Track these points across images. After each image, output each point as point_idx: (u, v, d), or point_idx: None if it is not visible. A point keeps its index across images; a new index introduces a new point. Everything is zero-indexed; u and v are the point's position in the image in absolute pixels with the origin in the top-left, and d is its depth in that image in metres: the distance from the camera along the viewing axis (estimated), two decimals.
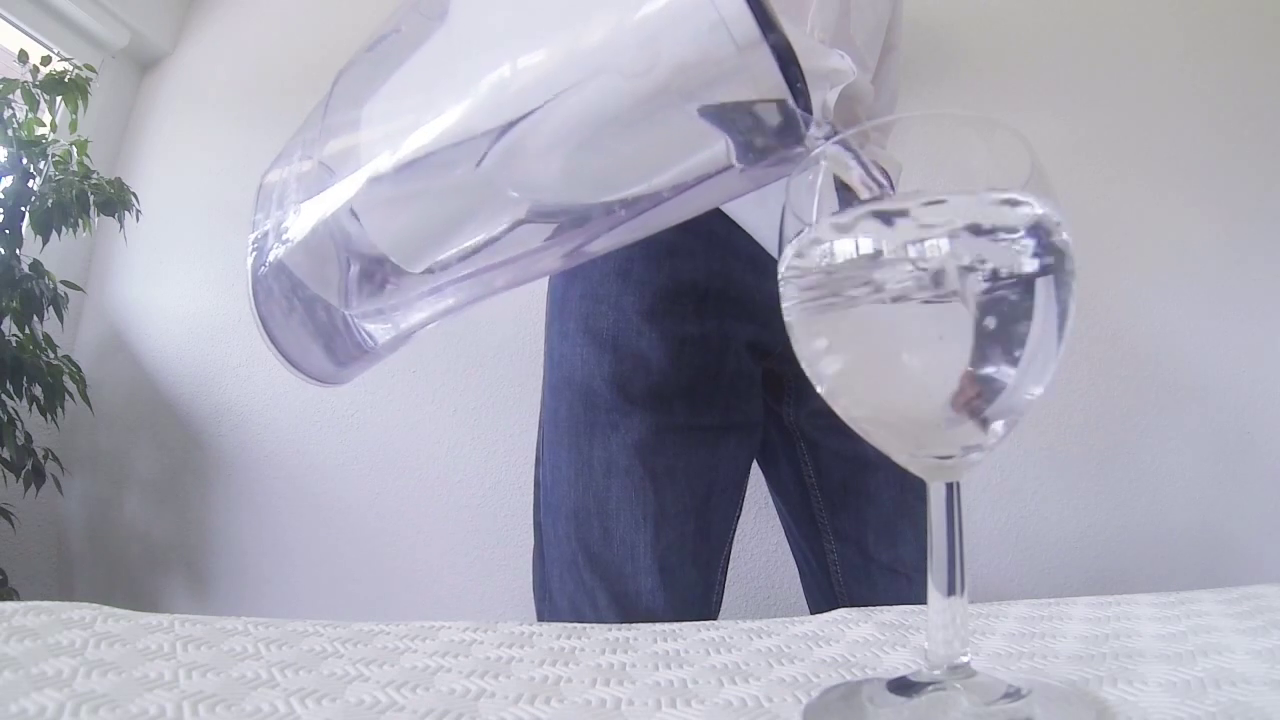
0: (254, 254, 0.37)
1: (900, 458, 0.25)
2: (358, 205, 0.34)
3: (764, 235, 0.59)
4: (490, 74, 0.30)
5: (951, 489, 0.25)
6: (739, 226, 0.60)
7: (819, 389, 0.26)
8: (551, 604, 0.61)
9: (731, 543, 0.64)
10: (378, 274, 0.35)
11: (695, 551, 0.57)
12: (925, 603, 0.25)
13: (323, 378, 0.39)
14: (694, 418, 0.57)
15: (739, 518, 0.64)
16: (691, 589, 0.57)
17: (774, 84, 0.25)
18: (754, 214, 0.58)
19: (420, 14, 0.37)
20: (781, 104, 0.26)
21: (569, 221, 0.32)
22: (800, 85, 0.26)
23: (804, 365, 0.26)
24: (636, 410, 0.56)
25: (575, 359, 0.59)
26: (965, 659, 0.24)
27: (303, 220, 0.36)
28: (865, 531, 0.65)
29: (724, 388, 0.58)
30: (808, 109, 0.26)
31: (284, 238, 0.36)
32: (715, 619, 0.57)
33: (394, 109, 0.35)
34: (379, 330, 0.38)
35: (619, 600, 0.56)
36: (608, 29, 0.27)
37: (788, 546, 1.12)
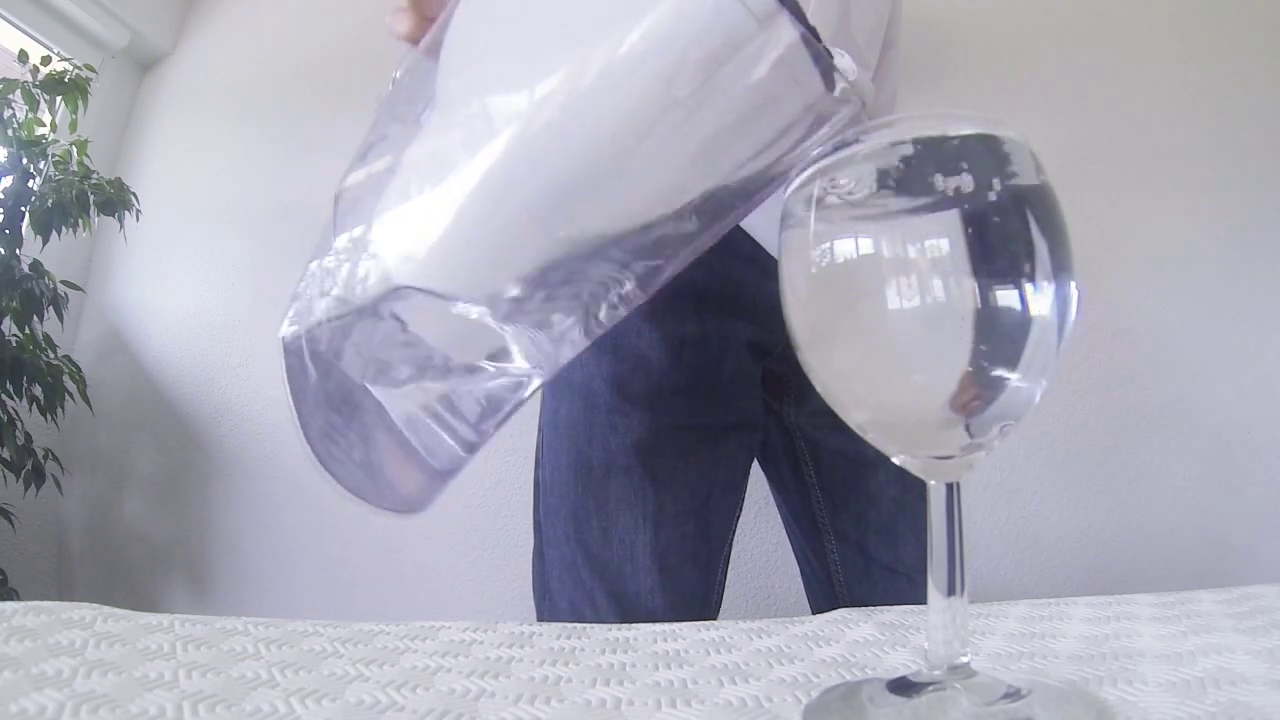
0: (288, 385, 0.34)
1: (899, 458, 0.25)
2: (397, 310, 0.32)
3: (763, 235, 0.59)
4: (507, 121, 0.28)
5: (951, 489, 0.25)
6: (738, 226, 0.60)
7: (819, 389, 0.26)
8: (551, 604, 0.60)
9: (731, 542, 0.64)
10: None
11: (695, 551, 0.57)
12: (925, 603, 0.25)
13: (410, 501, 0.34)
14: (694, 418, 0.57)
15: (739, 517, 0.64)
16: (692, 589, 0.57)
17: (794, 45, 0.25)
18: (753, 214, 0.59)
19: (401, 122, 0.35)
20: (814, 61, 0.25)
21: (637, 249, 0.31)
22: (821, 46, 0.25)
23: (804, 366, 0.26)
24: (636, 410, 0.56)
25: (574, 359, 0.60)
26: (965, 659, 0.24)
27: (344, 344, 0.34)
28: (865, 532, 0.65)
29: (724, 387, 0.58)
30: (829, 67, 0.26)
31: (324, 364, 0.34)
32: (715, 619, 0.57)
33: (408, 213, 0.32)
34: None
35: (618, 600, 0.56)
36: (630, 42, 0.26)
37: (788, 546, 1.12)
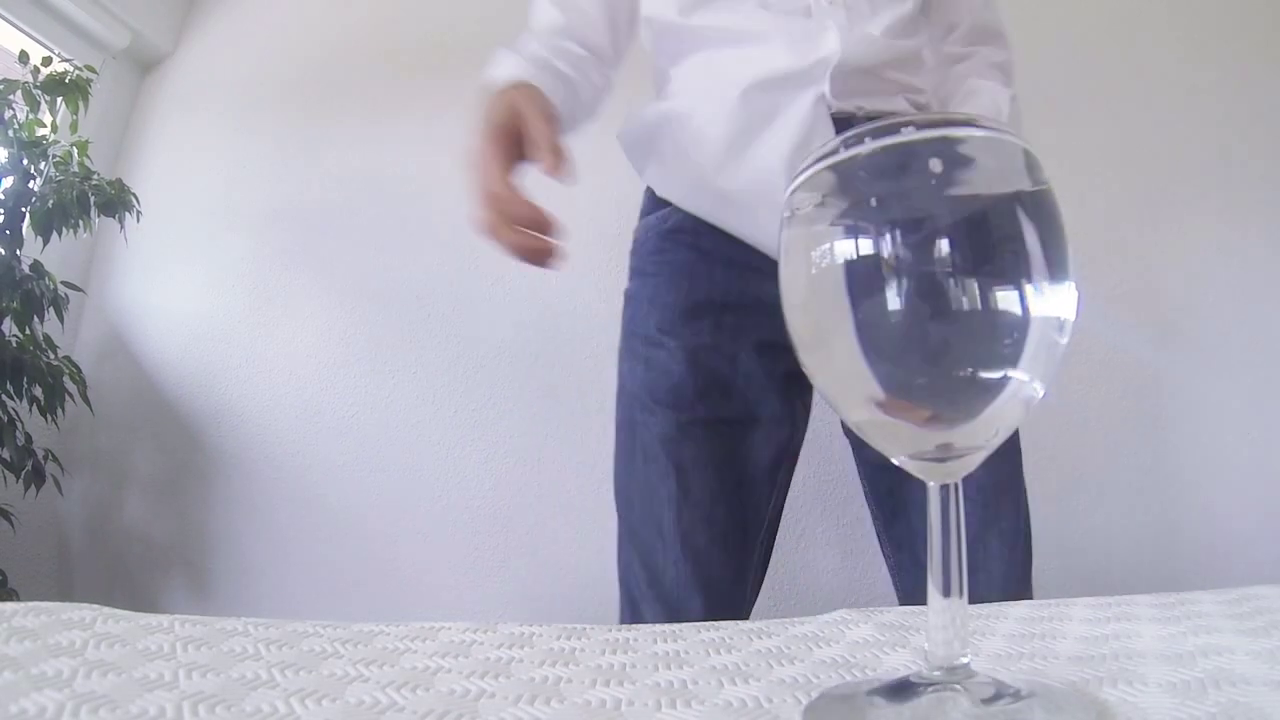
0: None
1: (899, 459, 0.25)
2: None
3: (759, 240, 0.65)
4: None
5: (951, 489, 0.25)
6: (741, 243, 0.66)
7: (818, 389, 0.26)
8: (620, 573, 0.68)
9: (771, 533, 0.67)
10: None
11: (724, 535, 0.63)
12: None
13: None
14: (714, 414, 0.64)
15: (774, 508, 0.67)
16: (719, 570, 0.63)
17: None
18: (748, 227, 0.65)
19: None
20: None
21: None
22: None
23: (804, 366, 0.26)
24: (661, 409, 0.65)
25: (625, 372, 0.71)
26: (965, 660, 0.24)
27: None
28: (916, 539, 0.66)
29: (739, 387, 0.65)
30: None
31: None
32: (749, 604, 0.64)
33: None
34: None
35: (649, 571, 0.64)
36: None
37: (789, 548, 1.13)
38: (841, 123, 0.66)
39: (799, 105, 0.65)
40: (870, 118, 0.66)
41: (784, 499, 0.69)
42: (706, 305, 0.65)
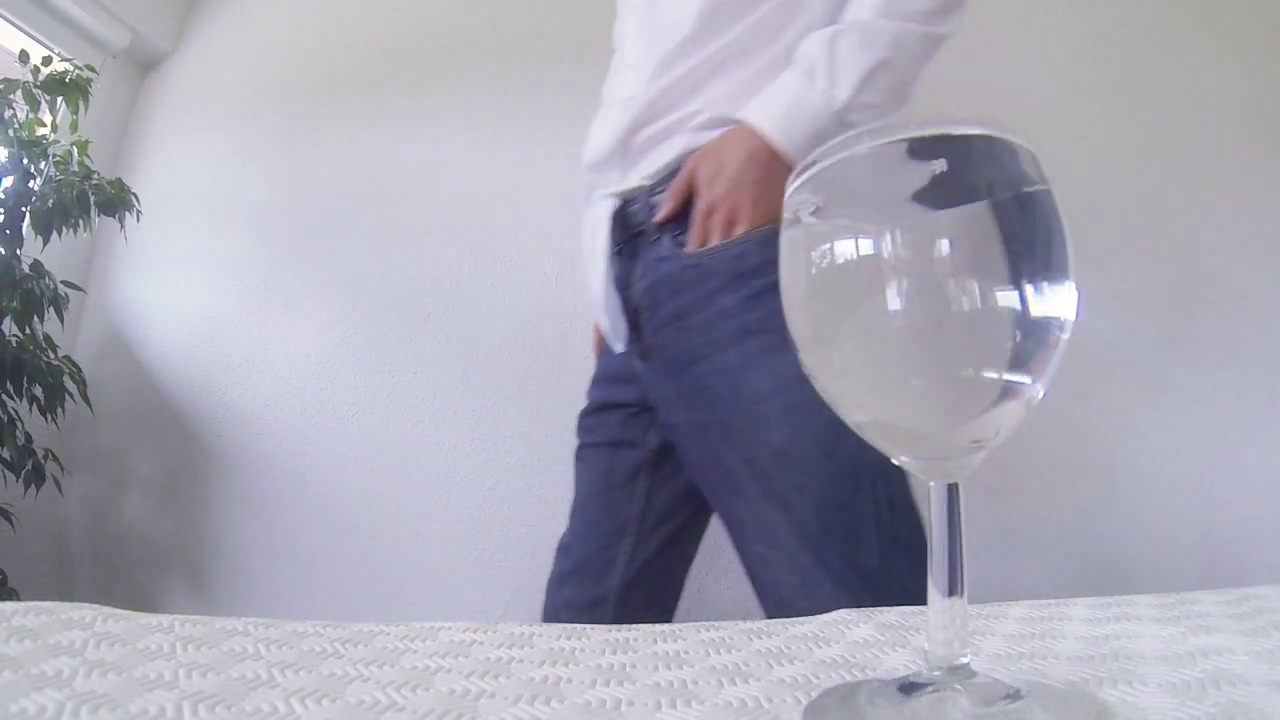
0: None
1: (900, 459, 0.25)
2: None
3: (605, 328, 0.84)
4: None
5: (951, 489, 0.25)
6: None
7: (819, 389, 0.26)
8: None
9: (641, 529, 0.84)
10: None
11: (596, 522, 0.86)
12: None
13: None
14: (592, 439, 0.90)
15: (642, 509, 0.84)
16: (589, 544, 0.85)
17: None
18: (604, 317, 0.82)
19: None
20: None
21: None
22: None
23: (804, 366, 0.26)
24: (577, 437, 0.92)
25: None
26: (965, 660, 0.24)
27: None
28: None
29: (604, 424, 0.88)
30: None
31: None
32: (625, 583, 0.81)
33: None
34: None
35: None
36: None
37: None
38: (631, 200, 0.75)
39: (595, 214, 0.79)
40: (655, 186, 0.73)
41: (679, 511, 0.85)
42: (601, 375, 0.91)
